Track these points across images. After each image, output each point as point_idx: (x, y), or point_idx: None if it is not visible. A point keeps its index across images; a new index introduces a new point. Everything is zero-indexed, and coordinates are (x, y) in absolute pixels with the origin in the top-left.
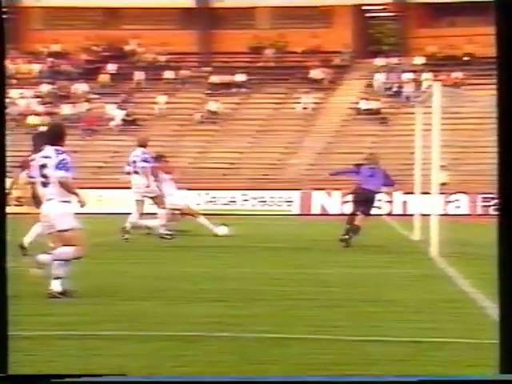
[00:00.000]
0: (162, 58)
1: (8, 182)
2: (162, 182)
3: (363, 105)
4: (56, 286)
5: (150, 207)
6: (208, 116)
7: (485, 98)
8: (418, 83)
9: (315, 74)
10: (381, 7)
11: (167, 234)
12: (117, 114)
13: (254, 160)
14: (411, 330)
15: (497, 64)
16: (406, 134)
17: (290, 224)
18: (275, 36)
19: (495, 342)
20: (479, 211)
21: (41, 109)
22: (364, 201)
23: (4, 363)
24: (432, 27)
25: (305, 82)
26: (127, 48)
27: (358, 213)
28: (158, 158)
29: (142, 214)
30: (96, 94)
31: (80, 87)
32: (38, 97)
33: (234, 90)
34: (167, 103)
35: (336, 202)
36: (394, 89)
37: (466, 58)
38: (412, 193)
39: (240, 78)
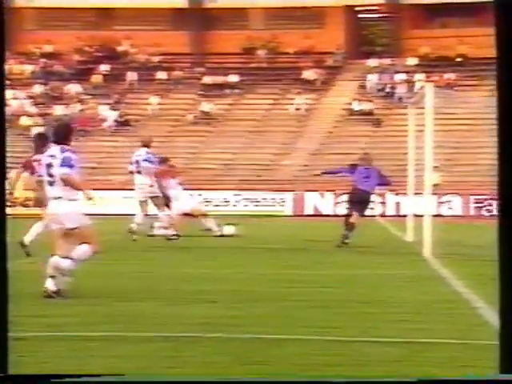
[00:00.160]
0: (155, 59)
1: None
2: (168, 186)
3: (356, 106)
4: (51, 284)
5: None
6: (201, 117)
7: (477, 99)
8: (410, 84)
9: (308, 74)
10: (373, 8)
11: (174, 235)
12: (110, 114)
13: (246, 161)
14: (405, 330)
15: (497, 64)
16: (398, 134)
17: (283, 225)
18: (268, 37)
19: (489, 342)
20: (472, 212)
21: (33, 110)
22: (359, 201)
23: (4, 363)
24: (425, 28)
25: (297, 82)
26: (120, 49)
27: (353, 213)
28: (163, 160)
29: (147, 215)
30: (89, 94)
31: (73, 88)
32: (30, 98)
33: (226, 90)
34: (160, 104)
35: (329, 203)
36: (387, 90)
37: (458, 59)
38: (405, 194)
39: (233, 78)
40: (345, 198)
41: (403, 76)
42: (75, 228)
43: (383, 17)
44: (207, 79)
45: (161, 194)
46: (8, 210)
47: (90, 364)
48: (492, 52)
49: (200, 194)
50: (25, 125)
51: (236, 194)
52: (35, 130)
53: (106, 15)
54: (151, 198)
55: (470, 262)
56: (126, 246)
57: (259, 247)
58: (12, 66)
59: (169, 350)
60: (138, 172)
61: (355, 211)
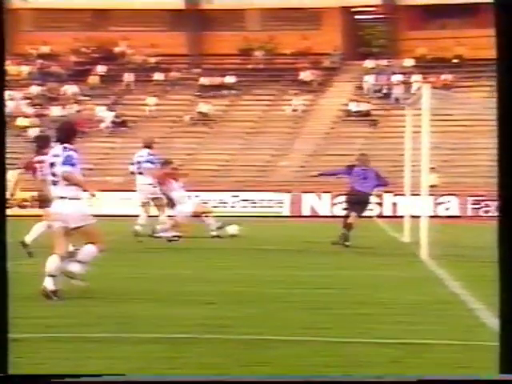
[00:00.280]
0: (152, 60)
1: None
2: (171, 189)
3: (353, 107)
4: (50, 284)
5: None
6: (198, 118)
7: (474, 100)
8: (407, 85)
9: (305, 75)
10: (370, 9)
11: (174, 236)
12: (106, 115)
13: (244, 162)
14: (402, 331)
15: (496, 65)
16: (395, 136)
17: (280, 226)
18: (265, 38)
19: (486, 343)
20: (469, 213)
21: (30, 111)
22: (357, 203)
23: (4, 363)
24: (422, 29)
25: (295, 83)
26: (117, 50)
27: (351, 215)
28: (166, 163)
29: (150, 216)
30: (86, 95)
31: (69, 89)
32: (27, 98)
33: (224, 91)
34: (157, 105)
35: (326, 204)
36: (384, 91)
37: (455, 61)
38: (402, 195)
39: (230, 79)
40: (342, 199)
41: (400, 77)
42: (80, 227)
43: (380, 18)
44: (204, 80)
45: (162, 196)
46: (10, 211)
47: (87, 365)
48: (489, 53)
49: (197, 195)
50: (21, 126)
51: (233, 196)
52: (32, 131)
53: (102, 16)
54: (153, 199)
55: (467, 263)
56: (123, 247)
57: (257, 248)
58: (9, 67)
59: (166, 351)
60: (140, 173)
61: (353, 212)
